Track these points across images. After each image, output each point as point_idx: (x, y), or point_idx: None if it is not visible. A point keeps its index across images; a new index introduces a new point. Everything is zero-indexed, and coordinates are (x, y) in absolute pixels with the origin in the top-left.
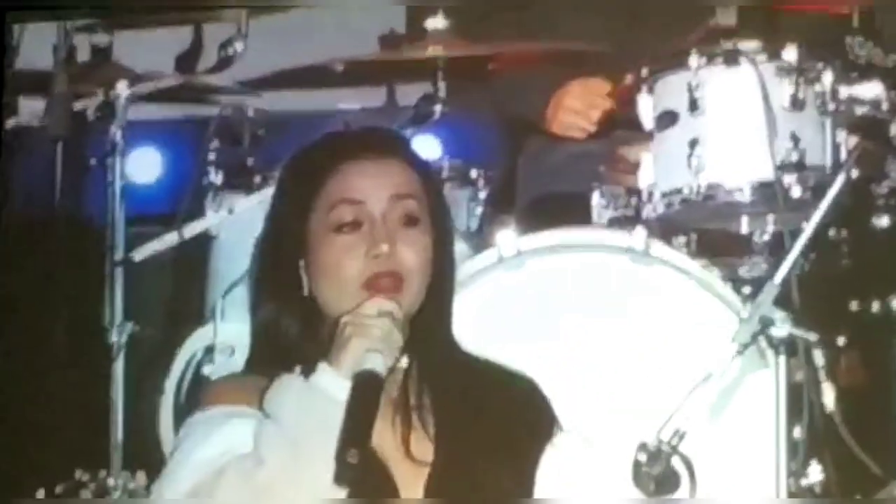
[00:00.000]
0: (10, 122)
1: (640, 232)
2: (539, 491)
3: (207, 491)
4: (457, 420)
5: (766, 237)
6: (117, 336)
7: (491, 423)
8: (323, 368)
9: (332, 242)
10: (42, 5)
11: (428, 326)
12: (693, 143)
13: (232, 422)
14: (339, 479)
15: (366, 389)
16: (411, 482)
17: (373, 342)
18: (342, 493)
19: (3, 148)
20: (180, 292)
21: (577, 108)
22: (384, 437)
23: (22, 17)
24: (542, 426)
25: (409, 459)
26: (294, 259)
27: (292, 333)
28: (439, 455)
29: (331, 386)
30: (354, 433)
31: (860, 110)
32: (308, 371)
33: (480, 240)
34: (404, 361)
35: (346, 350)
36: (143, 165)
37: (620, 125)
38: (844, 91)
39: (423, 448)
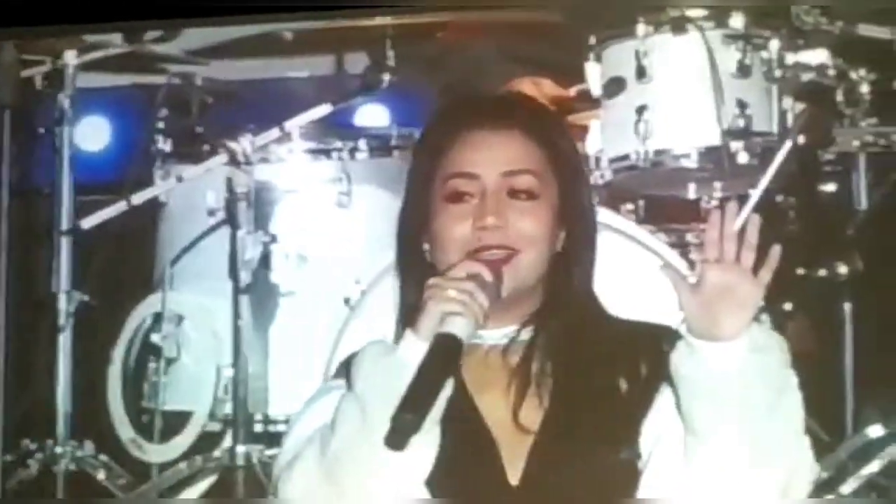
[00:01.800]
0: None
1: None
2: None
3: (297, 464)
4: (575, 391)
5: (714, 203)
6: (65, 305)
7: (611, 391)
8: (407, 334)
9: (445, 211)
10: None
11: (556, 296)
12: (640, 110)
13: (331, 393)
14: (389, 441)
15: (439, 352)
16: (515, 449)
17: (449, 304)
18: (405, 458)
19: None
20: (129, 260)
21: None
22: (496, 404)
23: None
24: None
25: (516, 426)
26: (418, 228)
27: (412, 301)
28: (548, 424)
29: (408, 350)
30: (416, 396)
31: (806, 77)
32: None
33: None
34: (528, 331)
35: (424, 313)
36: (92, 134)
37: None
38: (791, 58)
39: (533, 416)
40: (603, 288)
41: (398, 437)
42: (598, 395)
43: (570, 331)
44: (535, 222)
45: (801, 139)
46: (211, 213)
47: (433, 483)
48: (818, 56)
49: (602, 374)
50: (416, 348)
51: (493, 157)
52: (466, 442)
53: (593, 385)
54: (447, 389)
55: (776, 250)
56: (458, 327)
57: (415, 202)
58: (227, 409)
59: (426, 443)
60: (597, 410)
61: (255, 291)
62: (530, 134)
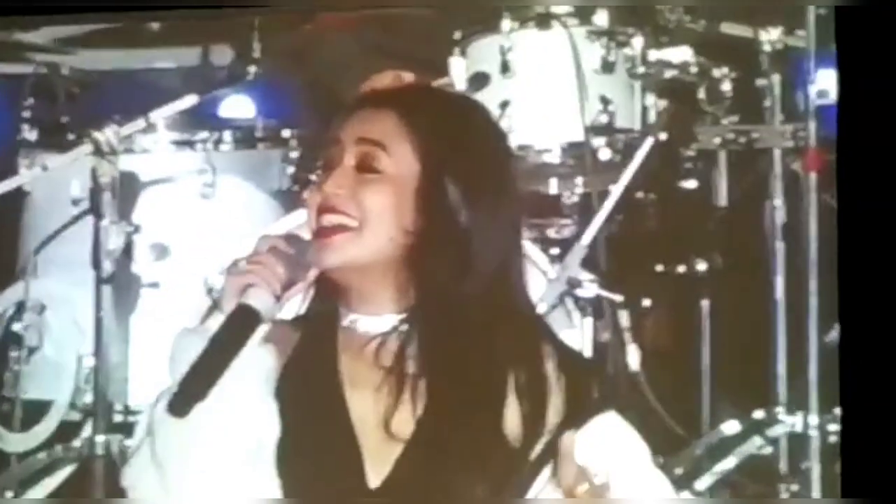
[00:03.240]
0: None
1: None
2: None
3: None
4: (450, 399)
5: (575, 199)
6: None
7: (490, 397)
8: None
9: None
10: None
11: (427, 286)
12: (504, 105)
13: None
14: (171, 407)
15: (230, 321)
16: (382, 454)
17: (243, 277)
18: (223, 437)
19: None
20: None
21: None
22: (367, 406)
23: None
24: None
25: (386, 433)
26: None
27: None
28: (420, 433)
29: (212, 325)
30: (202, 363)
31: (669, 74)
32: None
33: (290, 199)
34: (403, 325)
35: (223, 288)
36: None
37: None
38: (654, 55)
39: (406, 423)
40: None
41: (179, 402)
42: (476, 405)
43: (443, 331)
44: (375, 197)
45: (663, 136)
46: (75, 202)
47: (288, 472)
48: (681, 53)
49: (480, 382)
50: (217, 321)
51: (355, 126)
52: (329, 438)
53: (470, 394)
54: (269, 363)
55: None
56: (253, 298)
57: None
58: (88, 398)
59: (252, 417)
60: (473, 423)
61: (118, 281)
62: (405, 116)
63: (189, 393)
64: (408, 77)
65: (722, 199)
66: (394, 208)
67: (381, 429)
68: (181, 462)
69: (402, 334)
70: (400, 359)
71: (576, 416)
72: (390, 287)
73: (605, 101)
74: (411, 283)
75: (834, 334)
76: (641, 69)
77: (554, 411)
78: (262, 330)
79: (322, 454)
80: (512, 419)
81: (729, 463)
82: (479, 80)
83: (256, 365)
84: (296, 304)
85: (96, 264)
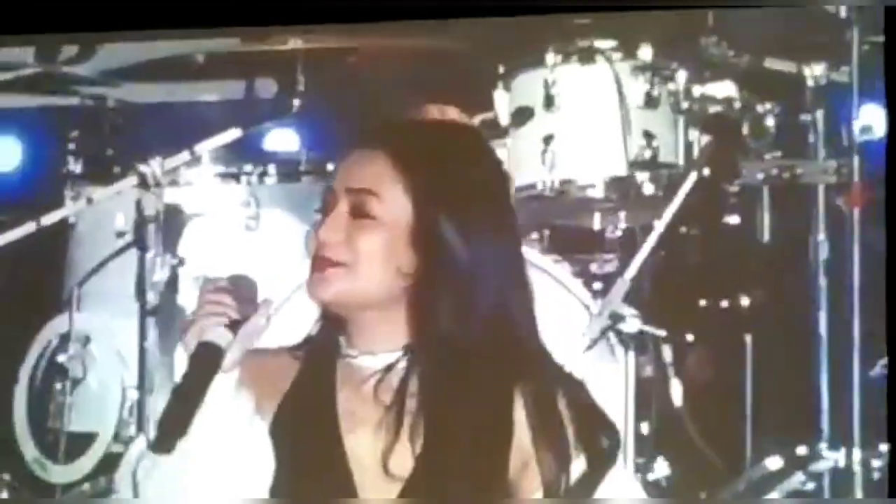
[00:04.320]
0: None
1: None
2: None
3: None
4: (448, 432)
5: (618, 233)
6: None
7: (492, 437)
8: None
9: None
10: None
11: (421, 328)
12: (547, 140)
13: None
14: (155, 445)
15: (193, 359)
16: (380, 494)
17: (199, 317)
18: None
19: None
20: (37, 280)
21: None
22: (365, 445)
23: None
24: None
25: (385, 473)
26: None
27: None
28: (418, 472)
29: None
30: (176, 401)
31: (713, 109)
32: None
33: None
34: (402, 363)
35: (188, 332)
36: (3, 154)
37: None
38: (698, 90)
39: (403, 461)
40: None
41: (161, 439)
42: (477, 446)
43: (443, 369)
44: (368, 240)
45: (707, 171)
46: (120, 234)
47: None
48: (725, 89)
49: (482, 421)
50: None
51: (345, 174)
52: (323, 477)
53: (468, 433)
54: (248, 406)
55: None
56: (207, 333)
57: None
58: (132, 430)
59: (236, 460)
60: (472, 462)
61: (162, 313)
62: (394, 157)
63: (168, 431)
64: (451, 111)
65: (765, 234)
66: (387, 250)
67: (380, 468)
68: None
69: (402, 371)
70: (400, 396)
71: (589, 467)
72: (390, 325)
73: (648, 136)
74: (411, 321)
75: (879, 369)
76: (685, 104)
77: (561, 455)
78: (234, 376)
79: (316, 494)
80: (515, 460)
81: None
82: (523, 114)
83: (235, 410)
84: (292, 332)
85: (141, 296)
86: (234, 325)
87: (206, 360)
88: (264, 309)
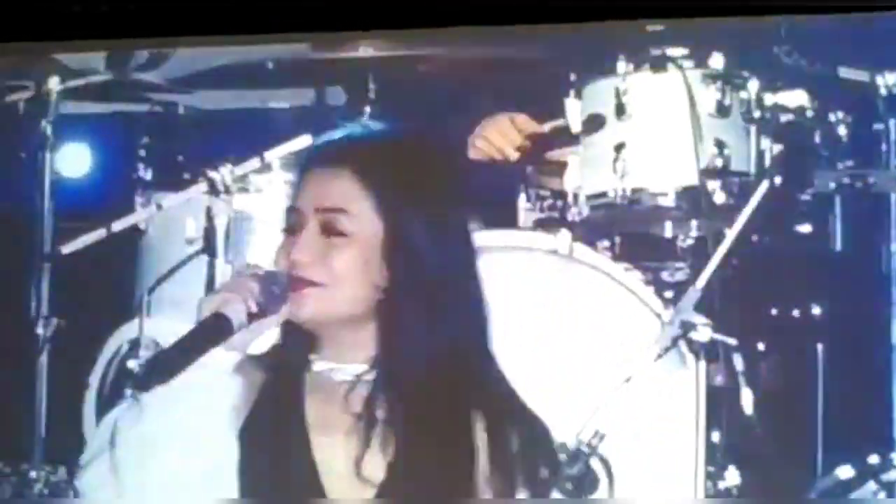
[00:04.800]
0: None
1: (564, 235)
2: None
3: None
4: (417, 439)
5: (690, 242)
6: (43, 329)
7: (454, 449)
8: None
9: (279, 242)
10: None
11: (388, 336)
12: (619, 148)
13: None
14: (135, 383)
15: (204, 322)
16: (352, 498)
17: (220, 294)
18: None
19: None
20: (107, 286)
21: (497, 141)
22: (335, 452)
23: None
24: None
25: (356, 478)
26: None
27: None
28: (391, 476)
29: None
30: (168, 353)
31: (785, 118)
32: None
33: None
34: (371, 373)
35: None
36: (73, 160)
37: (534, 161)
38: (770, 99)
39: (376, 468)
40: (578, 324)
41: (144, 376)
42: (445, 451)
43: (408, 381)
44: (343, 259)
45: (778, 180)
46: (189, 241)
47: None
48: (797, 97)
49: (447, 428)
50: None
51: (312, 194)
52: (290, 477)
53: (435, 443)
54: (236, 392)
55: None
56: (227, 308)
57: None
58: None
59: (212, 441)
60: (443, 468)
61: None
62: (359, 174)
63: (153, 370)
64: (521, 119)
65: (837, 243)
66: (362, 267)
67: (352, 473)
68: (139, 473)
69: (372, 382)
70: (369, 406)
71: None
72: (361, 337)
73: (720, 145)
74: (382, 333)
75: None
76: (757, 113)
77: (508, 481)
78: (233, 358)
79: (284, 491)
80: (480, 472)
81: None
82: (595, 122)
83: (224, 392)
84: (262, 340)
85: None
86: (251, 315)
87: (215, 328)
88: (281, 315)
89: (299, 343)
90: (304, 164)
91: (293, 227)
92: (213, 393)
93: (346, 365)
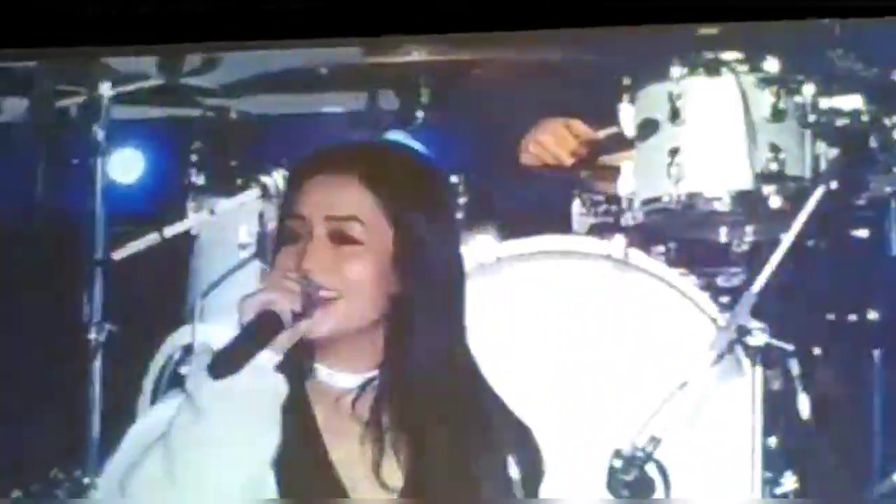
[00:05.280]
0: None
1: (619, 240)
2: None
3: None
4: (430, 445)
5: (745, 247)
6: (96, 335)
7: (466, 455)
8: None
9: (280, 251)
10: None
11: (398, 347)
12: (673, 152)
13: (166, 401)
14: (210, 370)
15: (256, 318)
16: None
17: (263, 295)
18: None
19: None
20: (160, 292)
21: (552, 147)
22: (353, 458)
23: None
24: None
25: (378, 484)
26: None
27: None
28: (409, 483)
29: None
30: (236, 342)
31: (840, 122)
32: None
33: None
34: (378, 381)
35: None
36: (126, 165)
37: (588, 167)
38: (825, 102)
39: (394, 474)
40: (633, 329)
41: (219, 367)
42: (453, 459)
43: (415, 386)
44: (356, 268)
45: (834, 184)
46: (242, 247)
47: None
48: (852, 101)
49: (454, 437)
50: None
51: (320, 201)
52: (313, 478)
53: (447, 449)
54: (281, 389)
55: None
56: (277, 307)
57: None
58: None
59: (258, 434)
60: (454, 473)
61: None
62: (368, 182)
63: (227, 360)
64: (576, 125)
65: (893, 247)
66: (377, 275)
67: (373, 478)
68: (196, 473)
69: (378, 389)
70: (376, 413)
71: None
72: (369, 345)
73: (775, 149)
74: (392, 340)
75: None
76: (812, 117)
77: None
78: (277, 358)
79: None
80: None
81: None
82: (649, 127)
83: (272, 392)
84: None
85: None
86: (295, 315)
87: (269, 325)
88: (310, 322)
89: (301, 349)
90: (307, 171)
91: (296, 235)
92: (264, 393)
93: (351, 374)
